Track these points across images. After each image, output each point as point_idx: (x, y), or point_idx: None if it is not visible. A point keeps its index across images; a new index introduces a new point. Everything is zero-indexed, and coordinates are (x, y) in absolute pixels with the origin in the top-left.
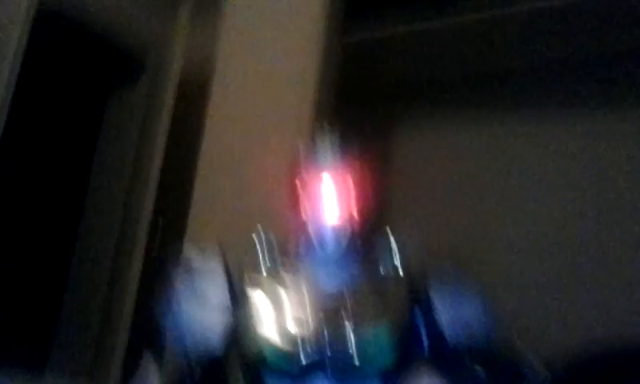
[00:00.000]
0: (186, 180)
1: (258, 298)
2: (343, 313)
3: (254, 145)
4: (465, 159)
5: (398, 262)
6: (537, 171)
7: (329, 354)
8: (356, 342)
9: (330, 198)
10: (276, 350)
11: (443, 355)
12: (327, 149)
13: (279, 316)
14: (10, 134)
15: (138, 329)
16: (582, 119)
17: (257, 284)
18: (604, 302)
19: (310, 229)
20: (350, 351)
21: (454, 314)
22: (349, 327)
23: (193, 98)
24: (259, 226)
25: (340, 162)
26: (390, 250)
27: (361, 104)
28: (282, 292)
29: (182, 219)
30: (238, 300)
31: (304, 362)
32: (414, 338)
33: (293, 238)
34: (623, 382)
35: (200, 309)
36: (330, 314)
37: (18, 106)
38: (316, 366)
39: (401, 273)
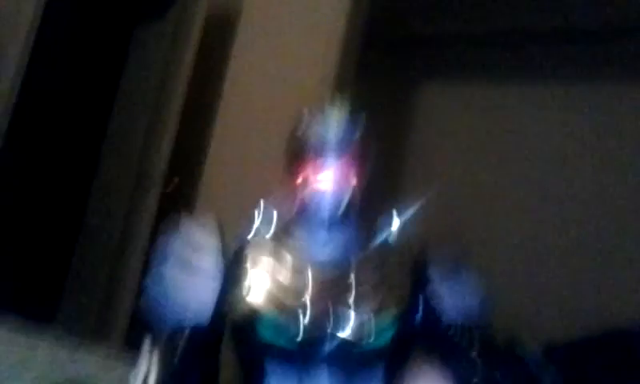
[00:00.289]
0: (204, 132)
1: (254, 268)
2: (343, 287)
3: (277, 91)
4: (486, 119)
5: (400, 239)
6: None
7: (328, 329)
8: (356, 318)
9: (331, 167)
10: (272, 322)
11: (439, 336)
12: (334, 121)
13: (276, 286)
14: (34, 70)
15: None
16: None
17: (254, 252)
18: (607, 287)
19: (308, 194)
20: (350, 327)
21: (452, 295)
22: (349, 302)
23: (219, 38)
24: (261, 200)
25: (347, 134)
26: (393, 225)
27: (387, 53)
28: (280, 261)
29: (197, 179)
30: (232, 268)
31: (300, 338)
32: (412, 316)
33: (291, 204)
34: (619, 370)
35: (189, 276)
36: (329, 286)
37: (44, 38)
38: (313, 343)
39: (403, 250)
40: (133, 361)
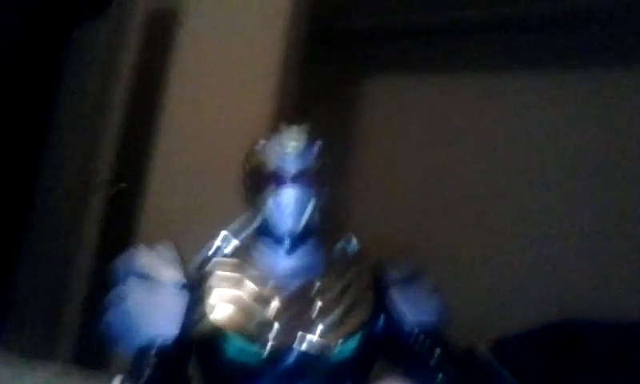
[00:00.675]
0: (149, 136)
1: (217, 285)
2: (307, 301)
3: (222, 89)
4: (431, 111)
5: (358, 253)
6: (507, 125)
7: (293, 343)
8: (320, 331)
9: (292, 184)
10: (237, 339)
11: (400, 345)
12: (294, 139)
13: (240, 303)
14: None
15: (92, 306)
16: (554, 76)
17: (216, 270)
18: (569, 284)
19: (268, 210)
20: (315, 340)
21: (410, 304)
22: (313, 315)
23: (162, 34)
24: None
25: (307, 152)
26: (351, 241)
27: (332, 44)
28: (242, 277)
29: (143, 185)
30: (194, 286)
31: (266, 354)
32: (374, 326)
33: (252, 220)
34: (576, 363)
35: (154, 294)
36: (292, 300)
37: None
38: (279, 358)
39: (363, 261)
40: (81, 377)
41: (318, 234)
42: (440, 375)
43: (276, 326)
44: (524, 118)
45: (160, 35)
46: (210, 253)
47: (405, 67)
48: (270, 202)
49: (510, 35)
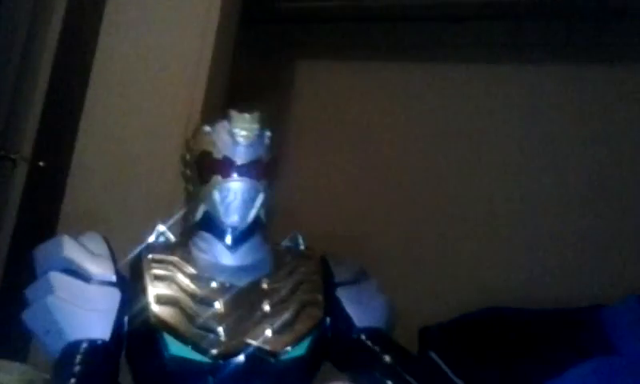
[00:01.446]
0: (71, 115)
1: (157, 279)
2: (256, 296)
3: (150, 73)
4: (364, 95)
5: (305, 252)
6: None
7: (243, 339)
8: (272, 327)
9: (238, 175)
10: (183, 335)
11: (352, 342)
12: (241, 127)
13: (185, 297)
14: None
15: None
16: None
17: (155, 263)
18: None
19: (213, 202)
20: (266, 337)
21: (359, 301)
22: (264, 311)
23: (86, 17)
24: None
25: (255, 141)
26: (297, 239)
27: (264, 30)
28: (186, 271)
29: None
30: (132, 280)
31: (209, 360)
32: (325, 324)
33: (194, 212)
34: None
35: (79, 291)
36: (241, 296)
37: None
38: (228, 355)
39: (312, 257)
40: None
41: (263, 230)
42: (389, 382)
43: (220, 330)
44: (459, 105)
45: (86, 15)
46: (145, 248)
47: (339, 51)
48: (215, 194)
49: (445, 23)
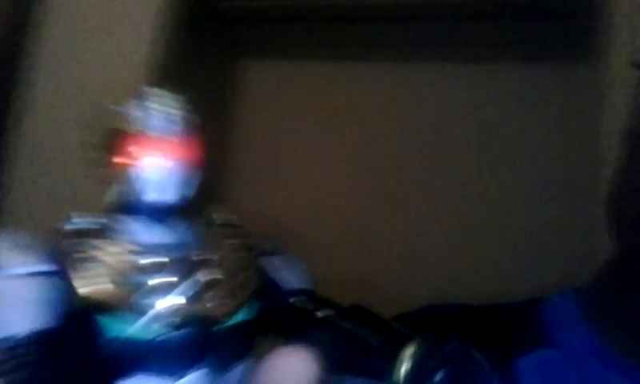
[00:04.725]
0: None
1: (88, 259)
2: (191, 268)
3: (93, 68)
4: (313, 96)
5: (231, 226)
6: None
7: (183, 311)
8: (209, 305)
9: (162, 148)
10: (121, 313)
11: (284, 305)
12: (161, 102)
13: (117, 274)
14: None
15: None
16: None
17: (82, 243)
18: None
19: (135, 177)
20: (206, 306)
21: (285, 272)
22: (201, 282)
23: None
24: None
25: (177, 115)
26: (222, 213)
27: (209, 28)
28: (115, 248)
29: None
30: (52, 268)
31: (157, 327)
32: (260, 291)
33: (117, 187)
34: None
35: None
36: (175, 268)
37: None
38: (170, 328)
39: (237, 235)
40: None
41: (187, 207)
42: (326, 335)
43: (158, 304)
44: (402, 106)
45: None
46: (63, 233)
47: (287, 51)
48: (132, 173)
49: (392, 24)
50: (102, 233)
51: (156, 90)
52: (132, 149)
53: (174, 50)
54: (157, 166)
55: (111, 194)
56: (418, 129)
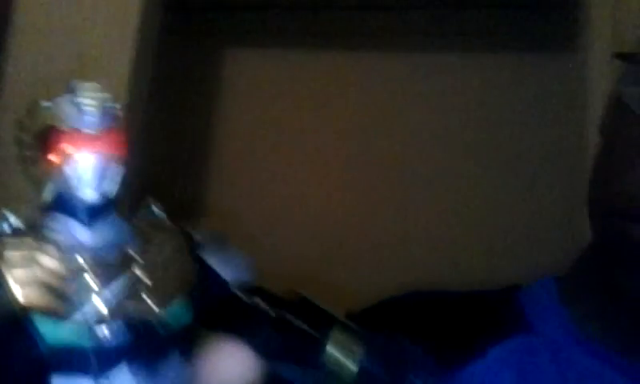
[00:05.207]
0: None
1: (9, 268)
2: (124, 269)
3: (70, 56)
4: (296, 86)
5: (163, 221)
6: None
7: (113, 318)
8: (147, 299)
9: (90, 143)
10: (53, 318)
11: (221, 299)
12: (90, 96)
13: (47, 277)
14: None
15: None
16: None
17: (6, 248)
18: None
19: (63, 174)
20: (142, 310)
21: (224, 264)
22: (132, 285)
23: None
24: None
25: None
26: (152, 208)
27: (192, 16)
28: (42, 251)
29: None
30: None
31: (83, 334)
32: (198, 289)
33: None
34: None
35: None
36: (108, 270)
37: None
38: (98, 335)
39: (170, 230)
40: None
41: (120, 203)
42: (264, 328)
43: (90, 302)
44: (389, 94)
45: None
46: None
47: (267, 40)
48: (65, 170)
49: (377, 13)
50: (36, 235)
51: (86, 84)
52: (64, 145)
53: (153, 38)
54: (90, 162)
55: (45, 193)
56: (405, 117)
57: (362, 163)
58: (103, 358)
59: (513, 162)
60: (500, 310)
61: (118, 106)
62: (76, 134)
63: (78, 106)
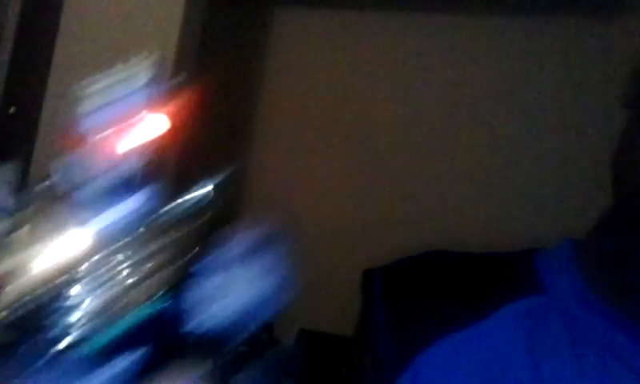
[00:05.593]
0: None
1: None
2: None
3: (122, 26)
4: (342, 45)
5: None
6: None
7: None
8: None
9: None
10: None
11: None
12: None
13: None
14: None
15: None
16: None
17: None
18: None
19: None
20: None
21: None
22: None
23: None
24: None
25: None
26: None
27: None
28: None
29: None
30: None
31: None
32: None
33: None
34: None
35: None
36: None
37: None
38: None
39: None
40: None
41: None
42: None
43: (74, 317)
44: (439, 60)
45: None
46: None
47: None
48: (81, 159)
49: None
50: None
51: (127, 63)
52: (83, 133)
53: (201, 9)
54: (103, 153)
55: (56, 177)
56: (458, 79)
57: (412, 125)
58: (80, 368)
59: (535, 125)
60: (515, 271)
61: (161, 80)
62: (97, 122)
63: (110, 86)
